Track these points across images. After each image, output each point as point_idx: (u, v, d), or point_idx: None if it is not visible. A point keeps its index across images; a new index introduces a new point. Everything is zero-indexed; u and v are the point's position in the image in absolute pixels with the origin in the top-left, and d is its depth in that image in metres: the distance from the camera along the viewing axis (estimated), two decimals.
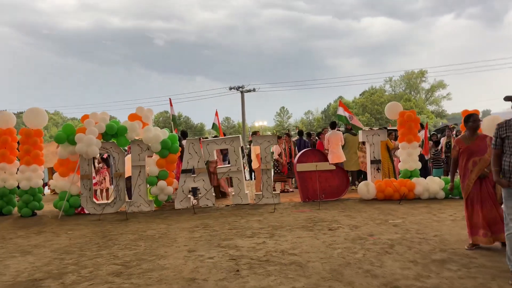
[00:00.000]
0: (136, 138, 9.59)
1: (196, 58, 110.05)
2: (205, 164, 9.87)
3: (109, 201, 9.48)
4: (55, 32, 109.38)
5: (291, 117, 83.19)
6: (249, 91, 53.19)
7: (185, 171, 9.71)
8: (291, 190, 12.04)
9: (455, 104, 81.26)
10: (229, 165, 9.96)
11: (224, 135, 11.91)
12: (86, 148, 8.79)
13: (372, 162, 9.88)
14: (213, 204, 9.65)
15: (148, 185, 9.60)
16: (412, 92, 70.19)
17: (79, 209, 9.38)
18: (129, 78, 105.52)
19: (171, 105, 11.35)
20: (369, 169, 9.99)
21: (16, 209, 9.56)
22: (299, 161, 9.81)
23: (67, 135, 8.99)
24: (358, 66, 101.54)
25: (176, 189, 9.73)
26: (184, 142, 10.30)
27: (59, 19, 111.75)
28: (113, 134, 9.34)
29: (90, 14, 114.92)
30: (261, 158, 9.78)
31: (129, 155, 9.77)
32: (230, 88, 54.45)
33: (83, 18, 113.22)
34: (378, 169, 9.85)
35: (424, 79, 68.73)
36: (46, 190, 13.03)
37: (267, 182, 9.73)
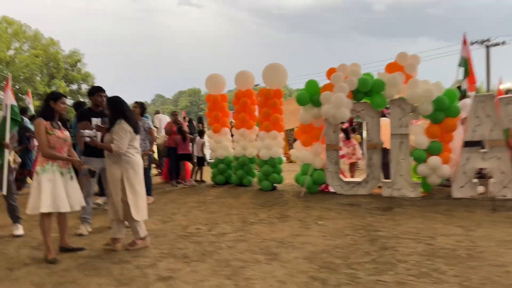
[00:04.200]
0: (397, 96, 7.00)
1: (418, 18, 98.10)
2: (504, 133, 6.47)
3: (359, 179, 7.34)
4: (282, 11, 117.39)
5: None
6: (496, 44, 43.00)
7: (469, 144, 6.59)
8: None
9: None
10: None
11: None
12: (334, 110, 6.76)
13: None
14: (493, 195, 6.24)
15: (413, 162, 6.97)
16: None
17: (323, 186, 7.60)
18: (349, 47, 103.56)
19: (465, 43, 8.12)
20: None
21: (254, 181, 8.60)
22: None
23: (310, 94, 7.17)
24: None
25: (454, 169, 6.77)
26: None
27: None
28: (366, 91, 7.01)
29: None
30: None
31: (385, 119, 7.31)
32: (472, 43, 45.33)
33: None
34: None
35: None
36: None
37: None
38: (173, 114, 9.17)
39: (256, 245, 4.37)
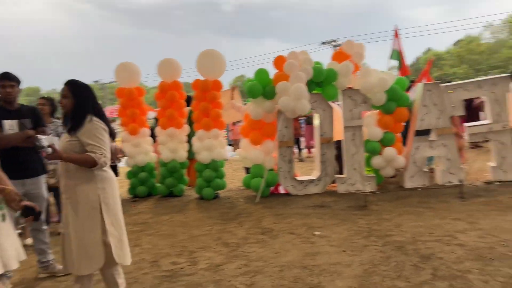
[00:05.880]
0: (348, 86, 6.63)
1: (265, 20, 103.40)
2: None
3: (313, 177, 6.78)
4: (129, 5, 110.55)
5: None
6: (338, 45, 48.11)
7: (419, 133, 6.62)
8: None
9: None
10: (487, 121, 6.64)
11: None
12: (294, 103, 6.01)
13: None
14: (461, 181, 6.47)
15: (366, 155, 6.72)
16: None
17: (272, 188, 6.83)
18: (200, 45, 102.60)
19: (396, 35, 8.14)
20: None
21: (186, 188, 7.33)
22: None
23: (262, 85, 6.28)
24: (437, 15, 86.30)
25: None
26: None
27: None
28: (318, 81, 6.46)
29: None
30: None
31: (337, 109, 6.89)
32: (322, 43, 49.91)
33: None
34: None
35: None
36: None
37: None
38: None
39: (280, 277, 3.35)
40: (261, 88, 6.22)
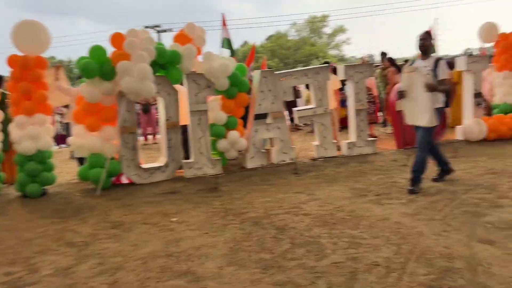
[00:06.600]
0: (193, 70, 6.55)
1: None
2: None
3: (160, 164, 6.50)
4: None
5: None
6: (165, 31, 47.45)
7: (257, 117, 7.06)
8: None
9: (355, 49, 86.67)
10: (312, 106, 7.52)
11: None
12: (138, 85, 5.57)
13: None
14: (293, 159, 7.24)
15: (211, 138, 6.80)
16: (316, 37, 67.96)
17: (114, 178, 6.28)
18: None
19: (224, 24, 8.17)
20: None
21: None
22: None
23: (99, 63, 5.61)
24: (251, 10, 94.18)
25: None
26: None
27: None
28: (162, 63, 6.17)
29: None
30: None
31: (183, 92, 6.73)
32: (146, 27, 48.32)
33: None
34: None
35: (325, 23, 66.04)
36: None
37: (359, 127, 7.58)
38: None
39: (145, 270, 3.10)
40: (97, 67, 5.58)
